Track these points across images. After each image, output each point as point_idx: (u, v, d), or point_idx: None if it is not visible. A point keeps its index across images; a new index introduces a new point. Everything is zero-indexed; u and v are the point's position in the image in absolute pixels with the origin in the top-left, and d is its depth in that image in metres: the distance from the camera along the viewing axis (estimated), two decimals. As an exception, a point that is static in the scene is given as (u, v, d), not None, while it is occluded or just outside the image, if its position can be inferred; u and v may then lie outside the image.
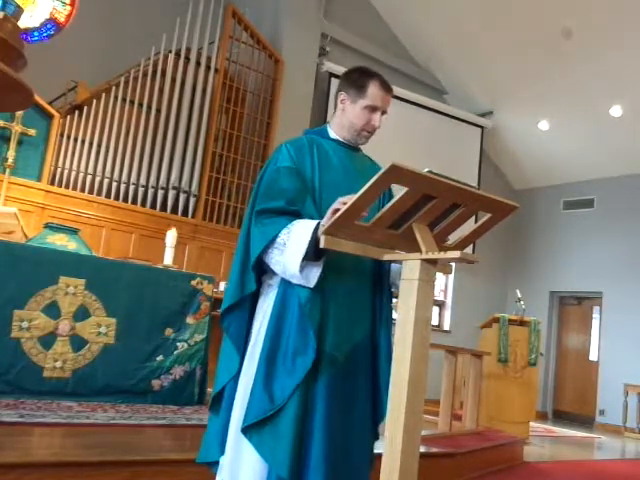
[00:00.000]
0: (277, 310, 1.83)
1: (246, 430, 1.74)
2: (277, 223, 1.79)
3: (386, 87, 2.00)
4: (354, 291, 1.88)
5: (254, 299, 1.92)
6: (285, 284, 1.83)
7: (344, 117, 2.01)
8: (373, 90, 1.97)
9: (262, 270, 1.88)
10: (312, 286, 1.76)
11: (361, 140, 2.04)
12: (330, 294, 1.82)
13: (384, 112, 2.01)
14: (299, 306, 1.79)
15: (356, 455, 1.83)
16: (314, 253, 1.71)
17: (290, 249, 1.74)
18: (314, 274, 1.75)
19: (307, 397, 1.75)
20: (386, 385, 1.72)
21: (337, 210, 1.64)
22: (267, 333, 1.82)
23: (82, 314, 3.78)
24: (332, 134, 2.05)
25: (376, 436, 1.94)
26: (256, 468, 1.74)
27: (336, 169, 1.97)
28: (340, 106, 2.02)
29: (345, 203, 1.62)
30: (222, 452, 1.85)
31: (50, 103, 6.61)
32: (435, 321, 10.31)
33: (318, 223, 1.71)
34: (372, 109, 1.97)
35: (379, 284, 1.96)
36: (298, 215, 1.82)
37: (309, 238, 1.70)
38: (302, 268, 1.73)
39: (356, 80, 2.00)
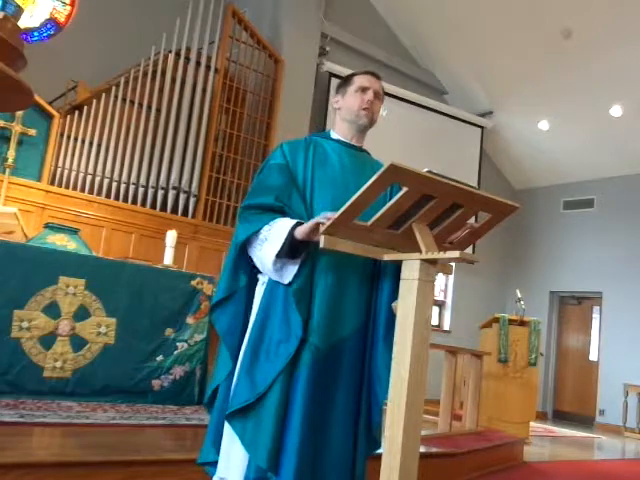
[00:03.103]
0: (265, 302, 1.87)
1: (230, 418, 1.77)
2: (261, 220, 1.84)
3: (371, 73, 2.11)
4: (345, 286, 1.89)
5: (250, 297, 1.94)
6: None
7: (342, 111, 2.09)
8: (358, 77, 2.09)
9: (257, 269, 1.91)
10: (286, 283, 1.81)
11: (360, 119, 2.05)
12: (319, 287, 1.84)
13: (377, 94, 2.06)
14: (284, 297, 1.82)
15: (336, 449, 1.81)
16: (290, 251, 1.76)
17: (267, 245, 1.80)
18: (289, 271, 1.80)
19: (288, 386, 1.76)
20: (383, 386, 1.72)
21: (319, 224, 1.69)
22: (254, 323, 1.86)
23: (82, 314, 3.78)
24: (334, 135, 2.11)
25: (377, 443, 1.91)
26: (243, 459, 1.76)
27: (332, 166, 2.00)
28: (336, 106, 2.12)
29: (329, 218, 1.66)
30: (217, 452, 1.86)
31: (50, 103, 6.60)
32: (435, 321, 10.31)
33: (297, 222, 1.77)
34: (362, 90, 2.05)
35: (377, 282, 1.96)
36: (283, 211, 1.87)
37: (285, 235, 1.75)
38: (277, 264, 1.79)
39: (343, 81, 2.14)
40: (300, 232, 1.74)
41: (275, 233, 1.79)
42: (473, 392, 5.27)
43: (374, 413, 1.87)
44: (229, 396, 1.86)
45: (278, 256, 1.77)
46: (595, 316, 10.14)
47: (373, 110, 2.05)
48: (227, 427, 1.83)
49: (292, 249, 1.76)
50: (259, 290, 1.93)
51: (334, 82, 8.29)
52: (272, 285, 1.86)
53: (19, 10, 7.91)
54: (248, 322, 1.92)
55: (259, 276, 1.94)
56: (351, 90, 2.06)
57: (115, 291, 3.92)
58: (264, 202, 1.88)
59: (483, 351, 5.90)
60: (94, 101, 6.69)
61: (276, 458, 1.71)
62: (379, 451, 1.72)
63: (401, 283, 1.68)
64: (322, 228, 1.67)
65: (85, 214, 6.49)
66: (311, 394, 1.77)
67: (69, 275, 3.75)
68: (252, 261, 1.90)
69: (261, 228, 1.82)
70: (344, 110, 2.07)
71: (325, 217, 1.68)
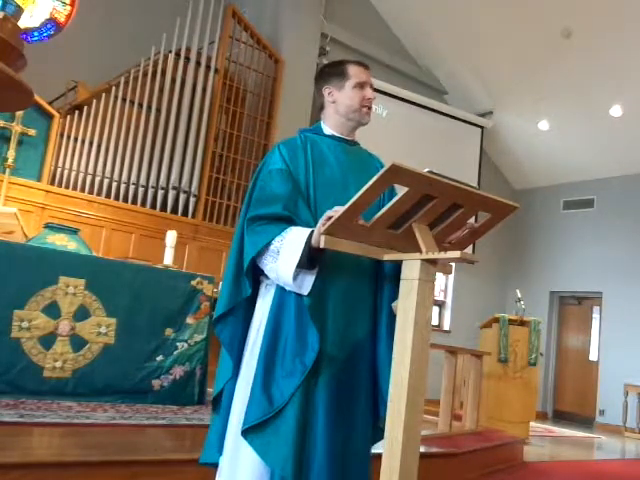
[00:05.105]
0: (274, 311, 1.82)
1: (246, 433, 1.73)
2: (269, 231, 1.78)
3: (363, 64, 2.06)
4: (353, 290, 1.87)
5: (251, 301, 1.91)
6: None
7: (338, 106, 2.02)
8: (353, 69, 2.02)
9: (260, 270, 1.86)
10: (306, 294, 1.75)
11: (364, 118, 2.03)
12: (329, 293, 1.81)
13: (371, 86, 2.04)
14: (297, 307, 1.77)
15: (360, 454, 1.82)
16: (308, 261, 1.71)
17: (283, 257, 1.73)
18: (308, 282, 1.75)
19: (308, 398, 1.74)
20: (386, 384, 1.71)
21: (331, 217, 1.64)
22: (265, 335, 1.81)
23: (82, 314, 3.78)
24: (327, 130, 2.05)
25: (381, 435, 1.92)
26: (256, 471, 1.73)
27: (331, 166, 1.97)
28: (329, 99, 2.03)
29: (337, 212, 1.62)
30: (221, 453, 1.84)
31: (50, 103, 6.61)
32: (435, 321, 10.31)
33: (312, 231, 1.70)
34: (360, 85, 2.01)
35: (379, 283, 1.95)
36: (291, 220, 1.80)
37: (302, 247, 1.70)
38: (296, 276, 1.73)
39: (334, 70, 2.05)
40: (316, 240, 1.67)
41: (289, 245, 1.73)
42: (473, 392, 5.27)
43: (381, 409, 1.85)
44: (232, 399, 1.84)
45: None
46: (595, 316, 10.14)
47: (372, 105, 2.04)
48: (232, 433, 1.80)
49: (309, 259, 1.71)
50: (264, 294, 1.88)
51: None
52: (281, 294, 1.81)
53: (19, 10, 7.91)
54: (249, 325, 1.90)
55: (262, 278, 1.89)
56: (349, 85, 1.99)
57: (115, 291, 3.91)
58: (272, 212, 1.80)
59: (483, 351, 5.90)
60: (94, 101, 6.69)
61: (300, 468, 1.68)
62: (379, 451, 1.72)
63: (401, 283, 1.68)
64: (323, 229, 1.65)
65: (85, 214, 6.49)
66: (333, 403, 1.76)
67: (69, 275, 3.74)
68: (258, 269, 1.84)
69: (272, 240, 1.76)
70: (341, 106, 2.00)
71: (336, 211, 1.64)
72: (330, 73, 2.04)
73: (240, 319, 1.90)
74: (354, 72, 2.01)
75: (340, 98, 2.01)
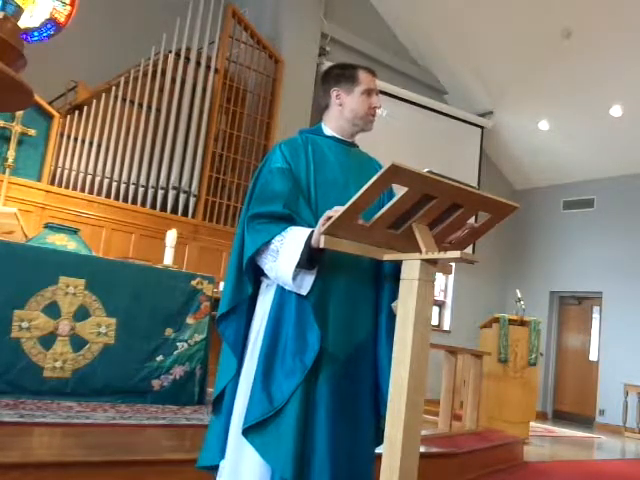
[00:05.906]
0: (275, 310, 1.82)
1: (247, 432, 1.73)
2: (269, 230, 1.79)
3: (372, 71, 2.09)
4: (355, 290, 1.87)
5: (252, 300, 1.91)
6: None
7: (345, 110, 2.03)
8: (363, 76, 2.04)
9: (261, 271, 1.86)
10: (305, 294, 1.75)
11: (368, 126, 2.05)
12: (330, 293, 1.81)
13: (377, 94, 2.07)
14: (297, 306, 1.78)
15: (361, 455, 1.81)
16: (307, 261, 1.71)
17: (283, 257, 1.74)
18: (307, 282, 1.75)
19: (309, 397, 1.73)
20: (386, 383, 1.71)
21: (330, 217, 1.64)
22: (265, 334, 1.81)
23: (82, 314, 3.78)
24: (328, 131, 2.06)
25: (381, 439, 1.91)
26: (257, 472, 1.73)
27: (332, 166, 1.97)
28: (336, 102, 2.04)
29: (337, 211, 1.63)
30: (222, 456, 1.84)
31: (50, 103, 6.61)
32: (435, 321, 10.31)
33: (312, 231, 1.71)
34: (368, 92, 2.02)
35: (380, 284, 1.95)
36: (291, 218, 1.81)
37: (302, 247, 1.70)
38: (295, 276, 1.73)
39: (343, 73, 2.05)
40: (316, 240, 1.68)
41: (289, 244, 1.73)
42: (473, 392, 5.27)
43: (381, 409, 1.86)
44: (234, 399, 1.84)
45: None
46: (595, 316, 10.14)
47: (376, 115, 2.06)
48: (233, 435, 1.80)
49: (309, 259, 1.71)
50: (265, 293, 1.88)
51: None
52: (281, 293, 1.82)
53: (19, 10, 7.91)
54: (250, 325, 1.90)
55: (262, 278, 1.90)
56: (358, 90, 2.01)
57: (115, 291, 3.91)
58: (273, 210, 1.81)
59: (483, 351, 5.90)
60: (94, 101, 6.69)
61: (301, 468, 1.68)
62: (379, 451, 1.72)
63: (401, 283, 1.68)
64: (322, 229, 1.65)
65: (85, 214, 6.49)
66: (334, 404, 1.75)
67: (69, 275, 3.74)
68: (259, 269, 1.84)
69: (272, 239, 1.77)
70: (348, 110, 2.02)
71: (336, 210, 1.64)
72: (340, 75, 2.05)
73: (243, 317, 1.91)
74: (364, 78, 2.03)
75: (347, 102, 2.02)
